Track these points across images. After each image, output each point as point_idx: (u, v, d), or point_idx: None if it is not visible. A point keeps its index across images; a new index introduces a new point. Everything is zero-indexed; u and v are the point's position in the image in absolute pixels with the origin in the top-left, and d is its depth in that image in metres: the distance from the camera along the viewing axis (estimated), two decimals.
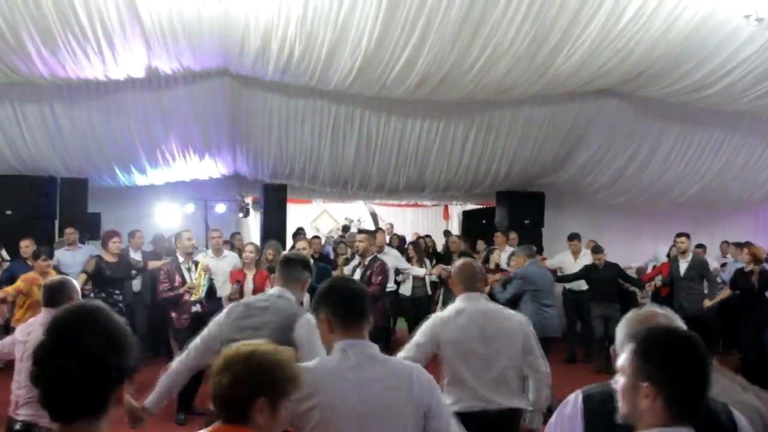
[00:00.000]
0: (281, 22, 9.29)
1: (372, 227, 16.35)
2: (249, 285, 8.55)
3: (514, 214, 13.83)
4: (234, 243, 12.00)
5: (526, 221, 13.68)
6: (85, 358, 1.66)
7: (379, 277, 8.36)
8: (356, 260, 9.00)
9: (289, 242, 12.47)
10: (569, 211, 14.72)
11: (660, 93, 11.65)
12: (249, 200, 14.38)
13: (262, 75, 10.79)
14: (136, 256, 10.50)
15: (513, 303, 8.19)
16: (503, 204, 14.19)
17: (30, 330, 4.76)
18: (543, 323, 8.09)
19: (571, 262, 11.53)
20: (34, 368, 1.68)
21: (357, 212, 17.51)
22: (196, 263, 8.19)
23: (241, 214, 14.28)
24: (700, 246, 12.29)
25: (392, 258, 10.43)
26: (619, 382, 2.16)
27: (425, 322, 4.50)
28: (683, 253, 10.47)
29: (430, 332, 4.39)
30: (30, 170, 11.54)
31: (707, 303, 9.88)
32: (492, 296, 8.92)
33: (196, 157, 12.36)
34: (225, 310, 4.30)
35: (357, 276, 8.35)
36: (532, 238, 12.17)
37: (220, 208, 13.97)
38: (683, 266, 10.39)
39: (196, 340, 4.14)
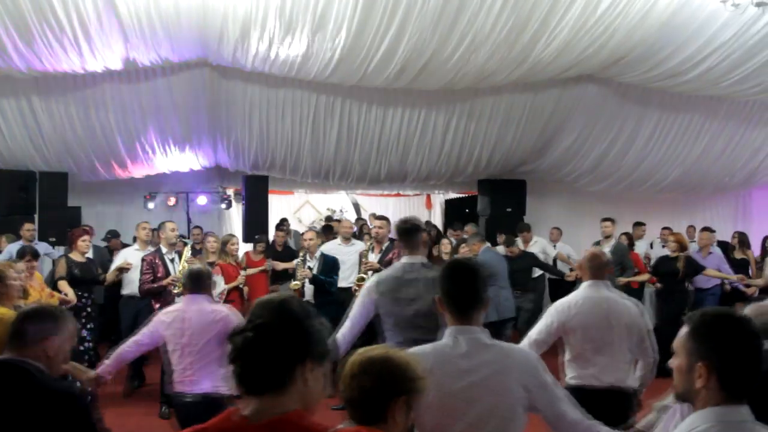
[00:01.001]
0: (260, 12, 9.26)
1: (354, 217, 16.36)
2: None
3: (496, 202, 13.87)
4: (194, 238, 11.79)
5: (508, 209, 13.73)
6: (271, 337, 1.89)
7: None
8: (367, 245, 8.92)
9: (272, 233, 12.41)
10: (551, 198, 14.81)
11: (639, 79, 11.71)
12: (230, 192, 14.33)
13: (242, 65, 10.74)
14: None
15: None
16: (485, 192, 14.23)
17: (184, 316, 4.93)
18: (498, 307, 8.57)
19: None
20: (230, 346, 1.90)
21: (339, 202, 17.48)
22: (180, 254, 8.15)
23: (223, 206, 14.23)
24: (666, 228, 12.38)
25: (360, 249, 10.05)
26: (674, 362, 2.24)
27: (551, 307, 4.80)
28: (607, 237, 10.43)
29: (557, 317, 4.69)
30: (8, 165, 11.45)
31: (621, 281, 9.80)
32: None
33: (177, 150, 12.30)
34: (373, 282, 4.53)
35: (375, 259, 8.20)
36: (514, 226, 12.20)
37: (202, 200, 13.92)
38: (606, 252, 10.28)
39: (354, 312, 4.45)
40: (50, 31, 8.98)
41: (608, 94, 12.50)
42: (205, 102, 11.58)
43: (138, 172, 12.59)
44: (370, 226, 13.51)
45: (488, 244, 9.66)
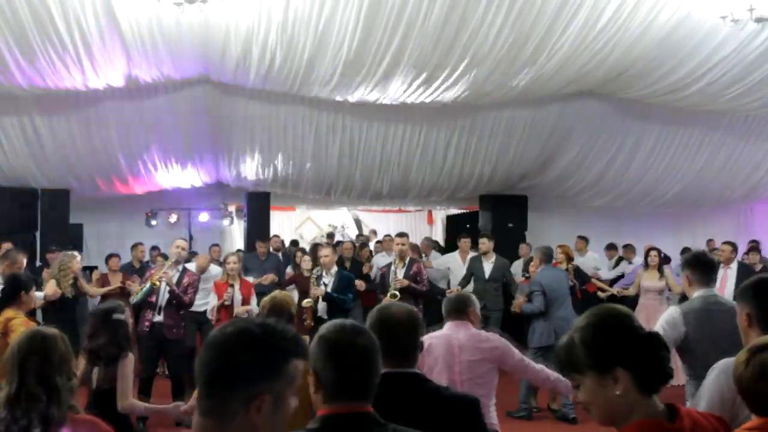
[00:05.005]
0: (262, 29, 9.29)
1: (355, 233, 16.37)
2: (237, 296, 8.34)
3: (498, 217, 13.84)
4: (212, 255, 11.71)
5: (510, 224, 13.69)
6: None
7: (426, 278, 8.88)
8: (388, 260, 9.32)
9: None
10: (552, 213, 14.79)
11: (639, 94, 11.74)
12: (232, 208, 14.32)
13: (244, 82, 10.76)
14: None
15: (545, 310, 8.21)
16: (486, 208, 14.21)
17: (440, 342, 4.68)
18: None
19: (458, 262, 11.15)
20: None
21: (341, 218, 17.49)
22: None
23: (225, 222, 14.23)
24: (618, 245, 12.50)
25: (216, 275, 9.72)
26: None
27: None
28: (485, 254, 10.22)
29: None
30: (10, 182, 11.47)
31: (521, 300, 9.59)
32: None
33: (178, 166, 12.31)
34: (682, 312, 4.36)
35: (401, 275, 8.60)
36: (515, 242, 12.20)
37: (204, 216, 13.92)
38: (488, 267, 10.13)
39: None
40: (52, 48, 9.02)
41: (609, 110, 12.52)
42: (206, 119, 11.61)
43: (140, 188, 12.60)
44: (372, 243, 13.61)
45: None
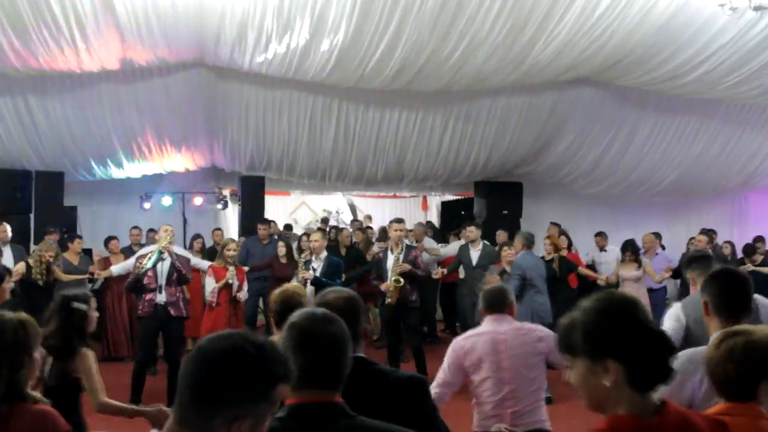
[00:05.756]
0: (257, 12, 9.23)
1: (350, 219, 16.35)
2: (235, 281, 8.52)
3: (492, 204, 13.83)
4: (214, 239, 11.78)
5: (505, 211, 13.68)
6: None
7: (422, 263, 8.98)
8: (378, 247, 9.39)
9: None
10: (547, 200, 14.78)
11: (637, 82, 11.71)
12: (227, 192, 14.28)
13: (239, 66, 10.71)
14: None
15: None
16: (481, 194, 14.20)
17: (482, 339, 4.50)
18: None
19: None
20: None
21: (335, 204, 17.45)
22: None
23: (219, 206, 14.19)
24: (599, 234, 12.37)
25: None
26: None
27: None
28: (473, 242, 10.27)
29: None
30: (4, 163, 11.41)
31: (495, 277, 9.60)
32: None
33: (173, 150, 12.26)
34: (682, 305, 4.41)
35: (400, 261, 8.58)
36: (510, 229, 12.19)
37: (198, 200, 13.87)
38: (474, 255, 10.16)
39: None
40: (47, 29, 8.94)
41: (605, 97, 12.50)
42: (201, 102, 11.55)
43: (134, 172, 12.55)
44: (364, 227, 13.58)
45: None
